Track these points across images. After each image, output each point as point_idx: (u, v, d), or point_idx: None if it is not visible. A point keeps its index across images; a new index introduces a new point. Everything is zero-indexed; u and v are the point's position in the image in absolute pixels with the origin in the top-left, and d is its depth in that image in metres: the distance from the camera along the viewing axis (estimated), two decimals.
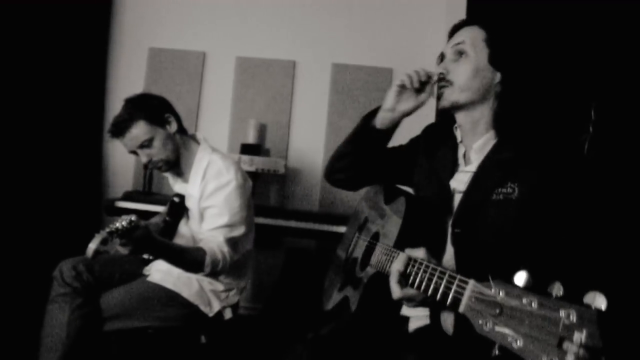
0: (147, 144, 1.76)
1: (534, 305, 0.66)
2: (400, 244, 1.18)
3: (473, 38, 1.17)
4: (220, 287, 1.83)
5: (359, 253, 1.43)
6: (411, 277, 0.97)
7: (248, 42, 3.19)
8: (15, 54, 2.97)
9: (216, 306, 1.81)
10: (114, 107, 2.99)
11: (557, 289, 0.66)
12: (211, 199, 1.74)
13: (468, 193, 1.14)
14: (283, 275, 3.01)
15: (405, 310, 1.24)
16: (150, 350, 1.90)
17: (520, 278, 0.70)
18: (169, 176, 1.98)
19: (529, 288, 0.69)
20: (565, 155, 1.10)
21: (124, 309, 1.69)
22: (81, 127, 3.08)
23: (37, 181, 2.96)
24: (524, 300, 0.68)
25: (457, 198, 1.18)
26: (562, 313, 0.63)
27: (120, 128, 1.75)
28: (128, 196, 2.77)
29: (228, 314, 1.86)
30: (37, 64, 3.00)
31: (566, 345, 0.61)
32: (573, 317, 0.62)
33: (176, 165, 1.86)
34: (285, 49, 3.17)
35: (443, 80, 1.20)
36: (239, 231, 1.76)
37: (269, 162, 2.81)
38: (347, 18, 3.13)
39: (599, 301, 0.62)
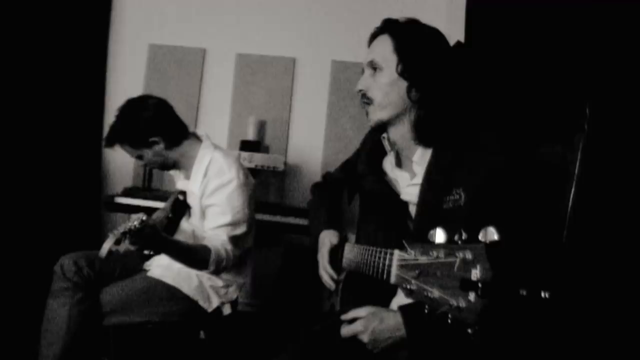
0: (137, 158, 1.85)
1: (441, 255, 0.69)
2: (358, 243, 1.20)
3: (383, 50, 1.16)
4: (219, 283, 1.84)
5: (338, 257, 1.44)
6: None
7: (248, 39, 3.19)
8: (16, 50, 2.98)
9: (215, 302, 1.82)
10: (114, 103, 2.98)
11: (461, 236, 0.68)
12: (213, 198, 1.75)
13: (420, 206, 1.13)
14: (282, 272, 3.03)
15: (394, 306, 1.25)
16: (150, 345, 1.92)
17: (434, 235, 0.72)
18: (172, 172, 1.99)
19: (443, 242, 0.71)
20: (504, 153, 1.08)
21: (124, 303, 1.70)
22: (81, 124, 3.09)
23: (38, 177, 2.97)
24: (434, 254, 0.70)
25: (412, 209, 1.18)
26: (460, 254, 0.65)
27: (109, 143, 1.82)
28: (128, 192, 2.78)
29: (227, 310, 1.87)
30: (37, 60, 3.00)
31: (467, 284, 0.63)
32: (469, 256, 0.64)
33: (174, 167, 1.90)
34: (286, 46, 3.18)
35: (364, 98, 1.19)
36: (242, 229, 1.78)
37: (268, 159, 2.82)
38: (347, 15, 3.14)
39: (490, 234, 0.64)
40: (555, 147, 1.23)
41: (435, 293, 0.68)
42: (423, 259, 0.73)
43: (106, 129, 1.84)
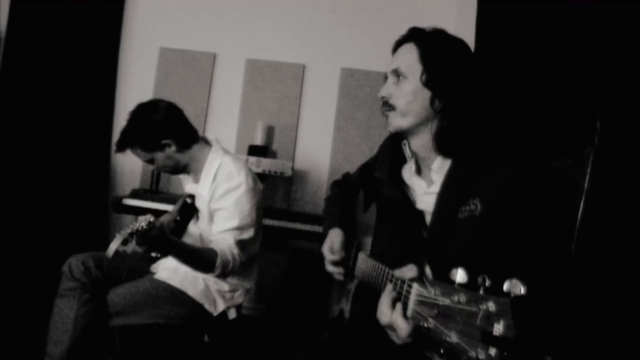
0: (148, 162, 1.85)
1: (462, 300, 0.67)
2: (374, 252, 1.20)
3: (408, 58, 1.15)
4: (225, 287, 1.84)
5: (350, 263, 1.45)
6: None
7: (258, 44, 3.22)
8: (28, 53, 3.02)
9: (221, 306, 1.83)
10: (124, 106, 3.03)
11: (484, 281, 0.66)
12: (222, 202, 1.76)
13: (436, 214, 1.13)
14: (286, 277, 3.03)
15: None
16: (154, 347, 1.92)
17: (456, 275, 0.70)
18: (181, 176, 2.00)
19: (464, 284, 0.69)
20: (522, 167, 1.08)
21: (130, 305, 1.71)
22: (91, 126, 3.11)
23: (48, 179, 3.00)
24: (455, 298, 0.68)
25: (428, 219, 1.18)
26: (483, 305, 0.63)
27: (121, 147, 1.82)
28: (135, 194, 2.79)
29: (232, 314, 1.88)
30: (49, 62, 3.04)
31: (489, 338, 0.61)
32: (492, 308, 0.62)
33: (183, 171, 1.91)
34: (295, 53, 3.20)
35: (386, 105, 1.19)
36: (249, 233, 1.79)
37: (276, 164, 2.83)
38: (357, 23, 3.16)
39: (516, 287, 0.63)
40: (565, 160, 1.24)
41: (454, 338, 0.66)
42: (443, 301, 0.71)
43: (116, 132, 1.86)
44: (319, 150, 3.16)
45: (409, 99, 1.14)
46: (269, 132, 3.12)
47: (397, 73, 1.17)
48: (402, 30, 1.23)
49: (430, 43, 1.15)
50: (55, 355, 1.64)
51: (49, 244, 2.82)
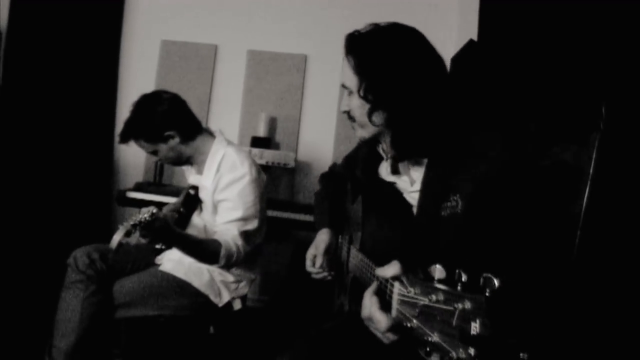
0: (151, 153, 1.86)
1: (440, 299, 0.66)
2: (364, 246, 1.20)
3: (348, 72, 1.12)
4: (230, 278, 1.85)
5: (344, 257, 1.45)
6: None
7: (260, 35, 3.21)
8: (29, 48, 3.02)
9: (226, 297, 1.84)
10: (126, 99, 3.03)
11: (460, 277, 0.65)
12: (225, 192, 1.76)
13: (419, 213, 1.12)
14: (291, 268, 3.04)
15: None
16: (160, 339, 1.93)
17: (435, 271, 0.69)
18: (184, 167, 2.01)
19: (443, 279, 0.68)
20: (504, 157, 1.05)
21: (136, 297, 1.72)
22: (94, 119, 3.12)
23: (52, 172, 3.01)
24: (433, 297, 0.68)
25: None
26: (458, 304, 0.63)
27: (124, 139, 1.82)
28: (139, 187, 2.81)
29: (237, 305, 1.89)
30: (50, 57, 3.04)
31: (466, 338, 0.61)
32: (468, 306, 0.62)
33: (187, 162, 1.91)
34: (297, 43, 3.18)
35: (349, 117, 1.18)
36: (253, 224, 1.79)
37: (279, 156, 2.83)
38: (359, 13, 3.13)
39: (490, 283, 0.62)
40: (570, 146, 1.22)
41: (435, 338, 0.66)
42: (423, 300, 0.70)
43: (118, 125, 1.86)
44: (322, 141, 3.15)
45: (360, 112, 1.13)
46: (272, 123, 3.12)
47: (345, 88, 1.15)
48: (404, 19, 1.19)
49: (361, 51, 1.10)
50: (62, 347, 1.65)
51: (53, 237, 2.83)
